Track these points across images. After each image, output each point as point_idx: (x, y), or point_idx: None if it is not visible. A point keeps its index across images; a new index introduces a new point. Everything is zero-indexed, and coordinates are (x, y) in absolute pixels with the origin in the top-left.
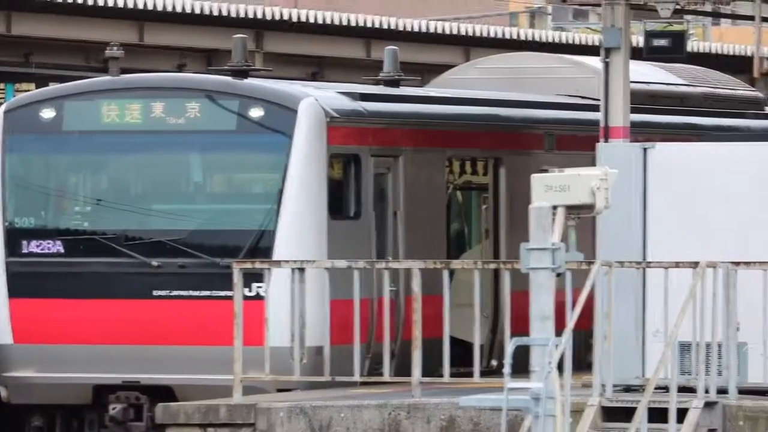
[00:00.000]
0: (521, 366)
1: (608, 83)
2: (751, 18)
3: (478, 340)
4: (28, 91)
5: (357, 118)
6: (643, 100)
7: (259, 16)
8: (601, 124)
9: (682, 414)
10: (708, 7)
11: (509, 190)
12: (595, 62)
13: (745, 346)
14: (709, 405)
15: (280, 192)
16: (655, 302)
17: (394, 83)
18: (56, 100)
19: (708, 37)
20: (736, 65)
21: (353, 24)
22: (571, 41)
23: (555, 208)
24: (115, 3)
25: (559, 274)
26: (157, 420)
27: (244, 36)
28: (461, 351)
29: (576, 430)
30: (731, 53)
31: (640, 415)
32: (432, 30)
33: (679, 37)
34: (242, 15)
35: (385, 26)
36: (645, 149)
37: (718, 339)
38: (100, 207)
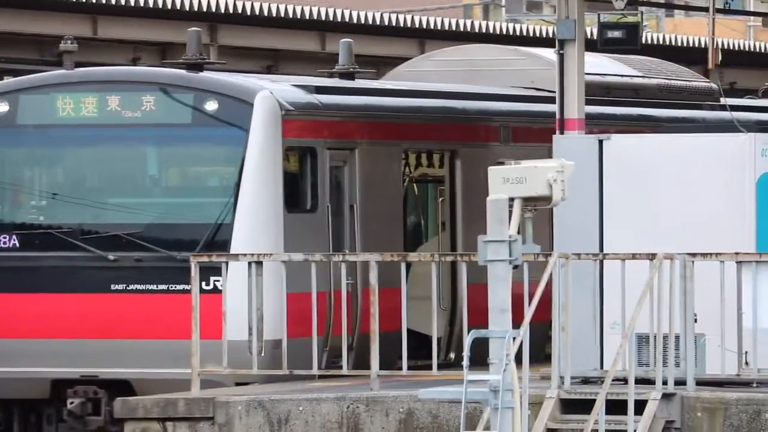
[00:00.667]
0: (479, 358)
1: (563, 75)
2: (705, 9)
3: (436, 332)
4: None
5: (312, 110)
6: (598, 91)
7: (213, 9)
8: (557, 116)
9: (640, 406)
10: None
11: (465, 182)
12: (549, 54)
13: (702, 337)
14: (667, 396)
15: (237, 185)
16: (613, 294)
17: (349, 76)
18: (10, 94)
19: (662, 29)
20: (691, 56)
21: (308, 16)
22: (525, 33)
23: (512, 200)
24: None
25: (516, 267)
26: (116, 414)
27: (199, 29)
28: (419, 344)
29: (535, 423)
30: (685, 44)
31: (599, 407)
32: (386, 22)
33: (634, 29)
34: (196, 8)
35: (340, 18)
36: (600, 141)
37: (676, 330)
38: (55, 201)
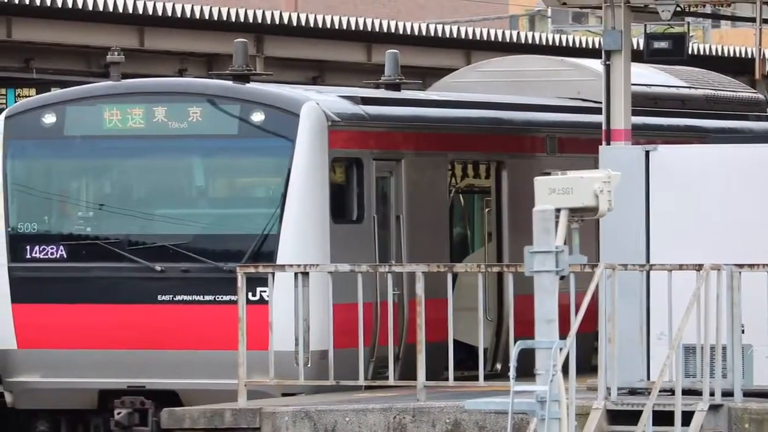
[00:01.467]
0: (526, 369)
1: (609, 86)
2: (752, 19)
3: (482, 343)
4: (29, 96)
5: (359, 121)
6: (644, 102)
7: (260, 20)
8: (603, 127)
9: (687, 417)
10: (708, 9)
11: (512, 193)
12: (596, 65)
13: (750, 348)
14: (714, 408)
15: (283, 196)
16: (659, 305)
17: (395, 87)
18: (57, 106)
19: (708, 39)
20: (737, 67)
21: (354, 27)
22: (571, 44)
23: (558, 210)
24: (116, 8)
25: (562, 277)
26: (163, 425)
27: (245, 40)
28: (465, 354)
29: None
30: (732, 55)
31: (646, 419)
32: (433, 33)
33: (680, 39)
34: (243, 19)
35: (386, 29)
36: (647, 152)
37: (723, 341)
38: (102, 212)
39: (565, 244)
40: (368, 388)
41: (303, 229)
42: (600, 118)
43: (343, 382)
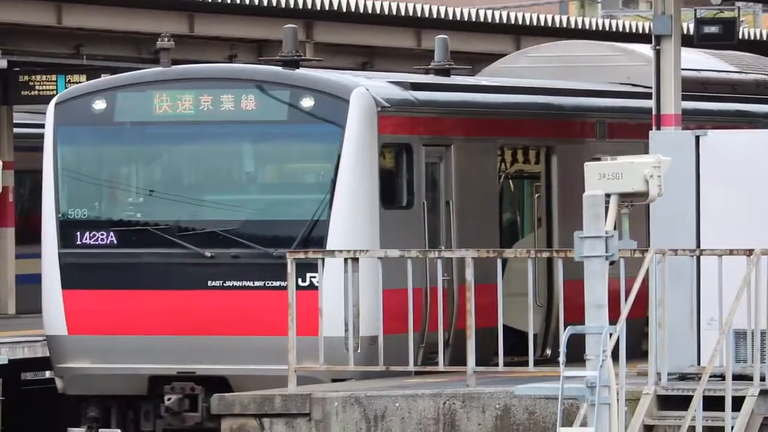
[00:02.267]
0: (576, 355)
1: (659, 71)
2: None
3: (532, 328)
4: (80, 82)
5: (408, 107)
6: (694, 87)
7: (309, 6)
8: (653, 112)
9: (738, 402)
10: None
11: (561, 178)
12: (646, 50)
13: None
14: (764, 393)
15: (333, 182)
16: (710, 290)
17: (444, 72)
18: (108, 92)
19: (759, 24)
20: None
21: (403, 13)
22: (621, 29)
23: (608, 196)
24: None
25: (612, 263)
26: (213, 410)
27: (294, 26)
28: (515, 340)
29: (631, 419)
30: None
31: (696, 404)
32: (482, 18)
33: (730, 24)
34: (292, 5)
35: (435, 15)
36: (697, 137)
37: None
38: (152, 198)
39: (615, 229)
40: (418, 373)
41: (353, 215)
42: (650, 103)
43: (393, 368)
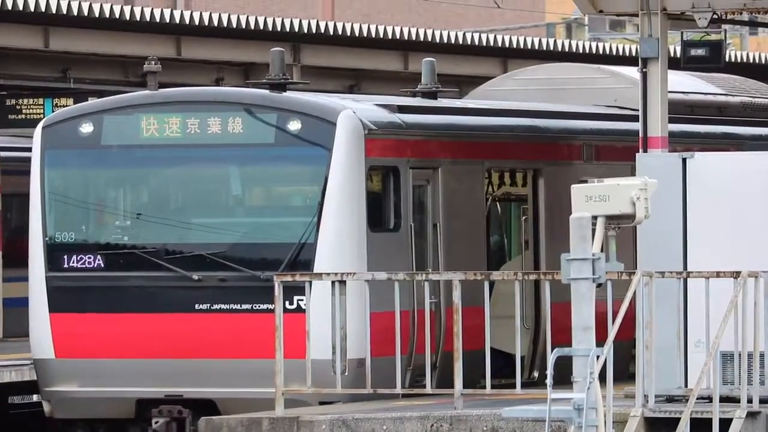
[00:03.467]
0: (563, 377)
1: (646, 93)
2: None
3: (520, 351)
4: (67, 106)
5: (395, 130)
6: (681, 110)
7: (296, 29)
8: (640, 135)
9: (725, 424)
10: (746, 17)
11: (548, 200)
12: (632, 72)
13: None
14: (752, 415)
15: (320, 205)
16: (697, 312)
17: (431, 95)
18: (95, 115)
19: (746, 47)
20: None
21: (390, 36)
22: (608, 51)
23: (595, 218)
24: (153, 17)
25: (599, 285)
26: None
27: (282, 49)
28: (503, 362)
29: None
30: None
31: (684, 426)
32: (469, 41)
33: (717, 47)
34: (279, 28)
35: (422, 38)
36: (684, 159)
37: (761, 348)
38: (139, 221)
39: (602, 251)
40: (405, 396)
41: (340, 238)
42: (637, 126)
43: (381, 391)
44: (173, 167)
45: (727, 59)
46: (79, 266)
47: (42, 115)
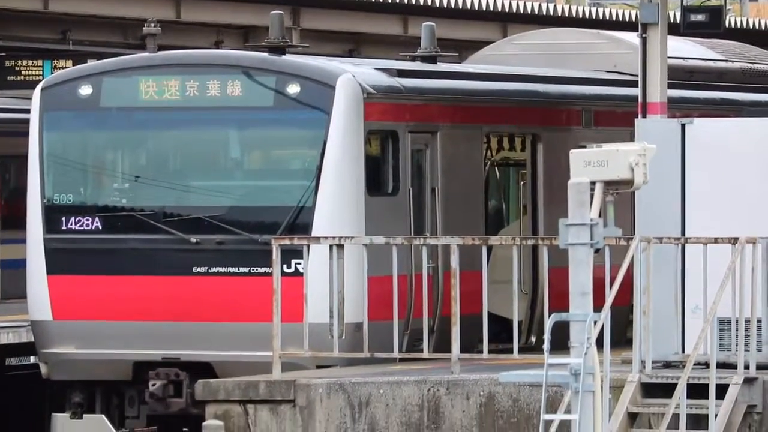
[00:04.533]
0: (560, 342)
1: (645, 59)
2: None
3: (517, 316)
4: (66, 68)
5: (394, 94)
6: (680, 75)
7: None
8: (639, 100)
9: (722, 390)
10: None
11: (547, 166)
12: (632, 38)
13: None
14: (748, 381)
15: (319, 168)
16: (694, 278)
17: (431, 59)
18: (94, 77)
19: (745, 13)
20: None
21: (390, 0)
22: (608, 17)
23: (593, 183)
24: None
25: (597, 250)
26: (197, 396)
27: (281, 12)
28: (500, 327)
29: (616, 407)
30: None
31: (680, 392)
32: (469, 6)
33: (717, 12)
34: None
35: (422, 2)
36: (683, 125)
37: (758, 315)
38: (138, 184)
39: (600, 216)
40: (402, 360)
41: (338, 202)
42: (636, 91)
43: (378, 355)
44: (172, 130)
45: (726, 25)
46: (77, 228)
47: (41, 77)
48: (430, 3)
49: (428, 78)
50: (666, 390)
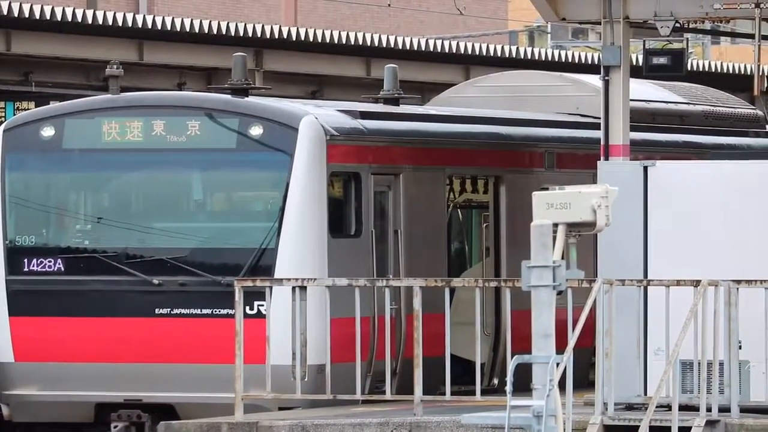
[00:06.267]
0: (523, 384)
1: (608, 101)
2: (751, 36)
3: (480, 358)
4: (28, 109)
5: (357, 136)
6: (643, 118)
7: (259, 34)
8: (602, 142)
9: None
10: (707, 26)
11: (510, 208)
12: (595, 80)
13: (747, 364)
14: (711, 423)
15: (281, 210)
16: (657, 320)
17: (394, 101)
18: (56, 119)
19: (707, 56)
20: (736, 83)
21: (353, 42)
22: (570, 59)
23: (556, 225)
24: (115, 21)
25: (560, 292)
26: None
27: (244, 54)
28: (463, 369)
29: None
30: (731, 72)
31: None
32: (431, 48)
33: (679, 55)
34: (242, 33)
35: (385, 44)
36: (645, 167)
37: (720, 357)
38: (100, 225)
39: (562, 258)
40: (365, 402)
41: (301, 243)
42: (598, 134)
43: (341, 397)
44: (135, 171)
45: (688, 68)
46: (39, 270)
47: (3, 119)
48: (392, 45)
49: (391, 120)
50: None
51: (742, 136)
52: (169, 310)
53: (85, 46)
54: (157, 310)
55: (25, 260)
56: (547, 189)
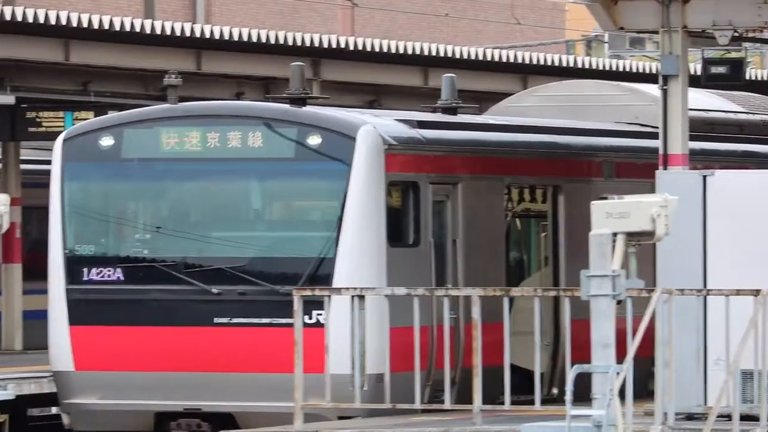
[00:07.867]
0: (582, 394)
1: (666, 111)
2: None
3: (539, 367)
4: (87, 119)
5: (415, 145)
6: (701, 127)
7: (316, 44)
8: (660, 152)
9: None
10: (766, 35)
11: (568, 217)
12: (653, 89)
13: None
14: None
15: (340, 219)
16: (717, 330)
17: (451, 111)
18: (115, 128)
19: (766, 65)
20: None
21: (410, 52)
22: (627, 69)
23: (615, 235)
24: (173, 31)
25: (619, 302)
26: None
27: (302, 64)
28: (522, 379)
29: None
30: None
31: None
32: (489, 58)
33: (738, 65)
34: (299, 43)
35: (442, 54)
36: (704, 177)
37: None
38: (159, 234)
39: (622, 268)
40: (424, 411)
41: (359, 253)
42: (657, 143)
43: (400, 406)
44: (193, 181)
45: (747, 77)
46: (98, 279)
47: (62, 128)
48: (450, 55)
49: (449, 129)
50: None
51: None
52: (228, 319)
53: (143, 56)
54: (216, 320)
55: (85, 269)
56: (605, 198)
